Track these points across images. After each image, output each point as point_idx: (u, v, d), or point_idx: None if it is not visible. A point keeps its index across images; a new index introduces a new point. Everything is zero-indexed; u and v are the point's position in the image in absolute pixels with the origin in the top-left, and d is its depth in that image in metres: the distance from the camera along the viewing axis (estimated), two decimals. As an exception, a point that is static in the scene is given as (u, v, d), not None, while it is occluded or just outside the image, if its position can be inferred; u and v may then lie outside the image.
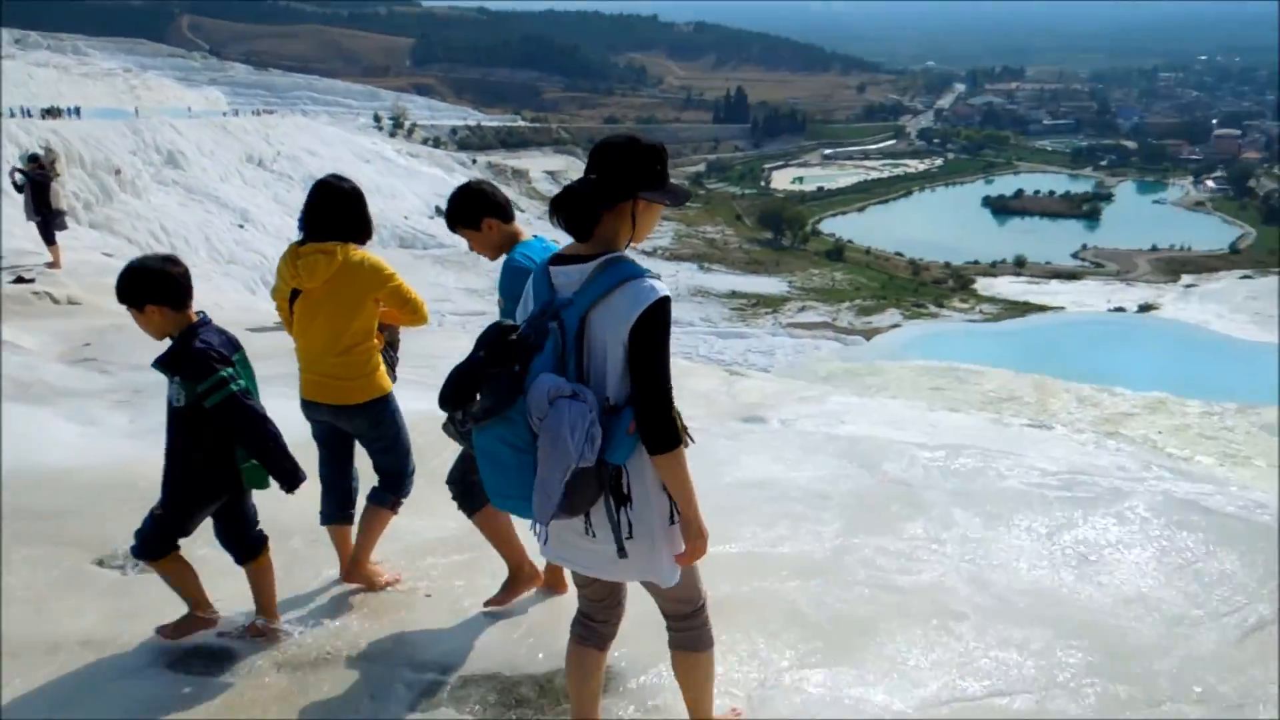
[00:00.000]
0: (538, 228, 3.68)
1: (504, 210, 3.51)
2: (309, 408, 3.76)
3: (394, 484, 3.89)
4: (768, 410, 7.59)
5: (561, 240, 2.41)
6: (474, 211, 3.48)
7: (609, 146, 2.35)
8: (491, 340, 2.30)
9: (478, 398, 2.32)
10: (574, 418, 2.18)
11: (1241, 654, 3.63)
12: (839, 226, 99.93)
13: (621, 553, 2.35)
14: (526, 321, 2.35)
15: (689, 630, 2.61)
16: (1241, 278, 78.16)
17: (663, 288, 2.27)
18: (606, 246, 2.34)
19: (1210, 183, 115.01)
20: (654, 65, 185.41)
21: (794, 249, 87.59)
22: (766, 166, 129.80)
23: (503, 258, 3.47)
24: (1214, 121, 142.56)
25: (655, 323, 2.24)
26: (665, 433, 2.27)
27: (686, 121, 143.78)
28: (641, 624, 2.80)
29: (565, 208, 2.33)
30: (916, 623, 3.69)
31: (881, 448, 6.17)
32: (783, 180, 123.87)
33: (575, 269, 2.33)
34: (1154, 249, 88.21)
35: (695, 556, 2.42)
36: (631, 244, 2.39)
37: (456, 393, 2.34)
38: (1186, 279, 78.89)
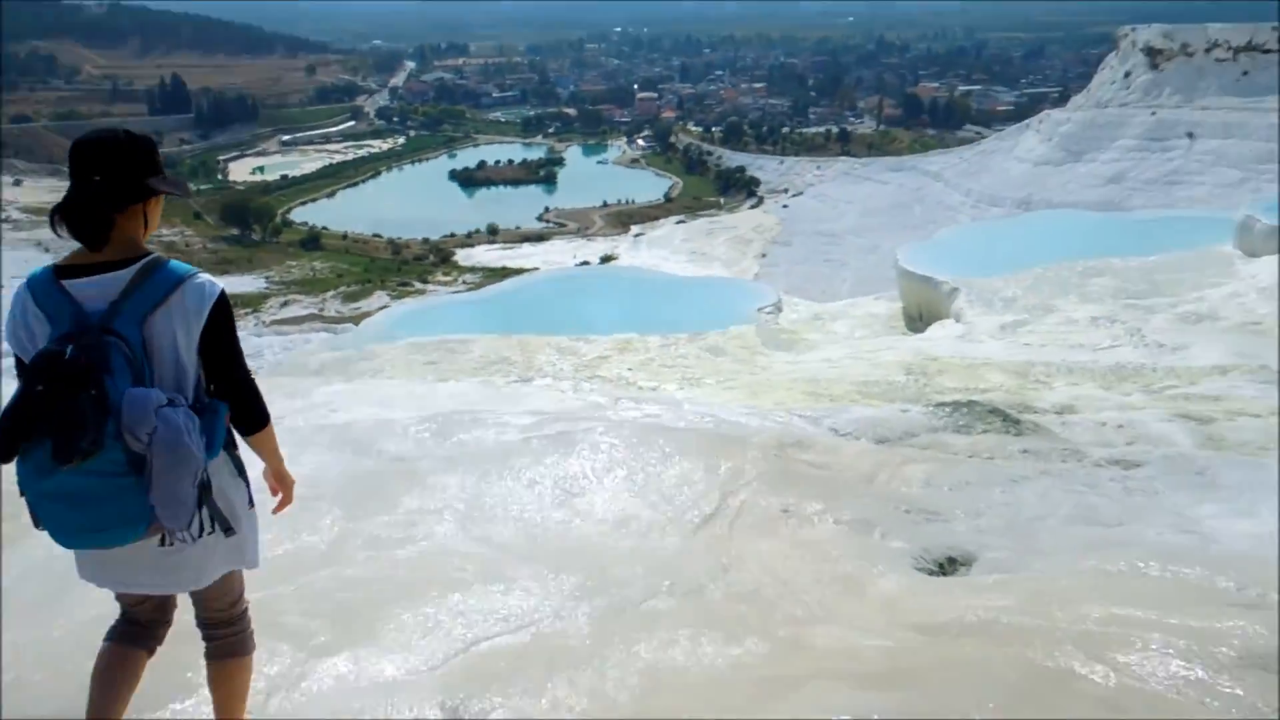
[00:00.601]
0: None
1: None
2: None
3: None
4: (252, 414, 7.24)
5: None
6: None
7: (101, 144, 2.21)
8: (48, 369, 2.08)
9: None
10: (186, 422, 2.14)
11: (698, 545, 4.25)
12: (311, 214, 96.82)
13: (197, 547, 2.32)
14: (63, 342, 2.12)
15: (235, 635, 2.57)
16: (677, 223, 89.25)
17: (218, 280, 2.31)
18: (128, 250, 2.24)
19: (640, 141, 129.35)
20: (66, 54, 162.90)
21: (266, 243, 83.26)
22: (221, 158, 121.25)
23: None
24: (635, 86, 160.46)
25: (226, 314, 2.29)
26: (262, 410, 2.41)
27: (118, 115, 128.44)
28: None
29: (73, 216, 2.18)
30: (423, 589, 3.81)
31: (374, 429, 6.19)
32: (242, 171, 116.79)
33: (105, 278, 2.20)
34: (605, 205, 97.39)
35: (290, 501, 2.61)
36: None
37: (15, 437, 2.09)
38: (635, 229, 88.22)
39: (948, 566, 4.41)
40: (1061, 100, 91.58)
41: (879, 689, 2.80)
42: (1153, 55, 68.32)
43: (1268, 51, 62.24)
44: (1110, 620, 3.12)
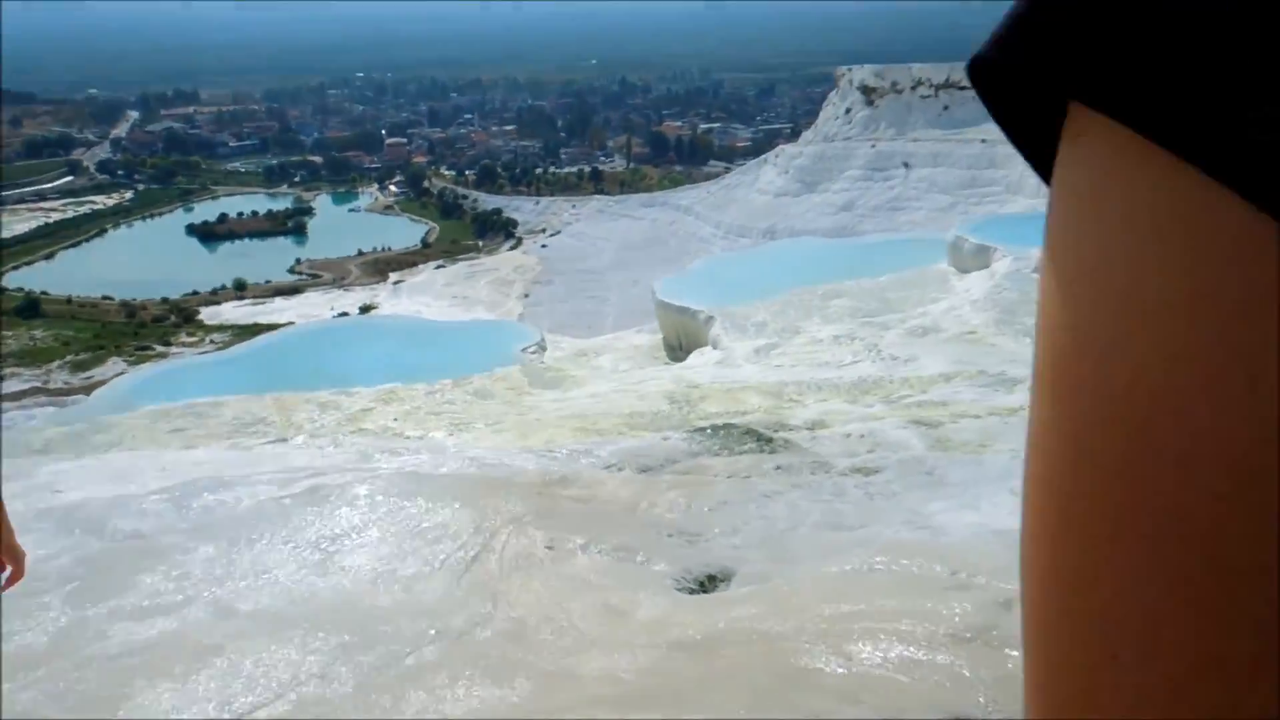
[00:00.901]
0: None
1: None
2: None
3: None
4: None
5: None
6: None
7: None
8: None
9: None
10: None
11: (463, 590, 4.22)
12: (27, 279, 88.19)
13: None
14: None
15: None
16: (437, 268, 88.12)
17: None
18: None
19: (393, 187, 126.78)
20: None
21: (-26, 312, 75.35)
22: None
23: None
24: (383, 132, 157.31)
25: None
26: None
27: None
28: None
29: None
30: (170, 668, 3.56)
31: (107, 506, 5.74)
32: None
33: None
34: (360, 254, 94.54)
35: (21, 575, 2.42)
36: None
37: None
38: (394, 276, 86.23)
39: (708, 584, 4.59)
40: (793, 135, 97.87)
41: (643, 709, 2.89)
42: (868, 93, 74.72)
43: (963, 88, 69.44)
44: (847, 616, 3.37)
